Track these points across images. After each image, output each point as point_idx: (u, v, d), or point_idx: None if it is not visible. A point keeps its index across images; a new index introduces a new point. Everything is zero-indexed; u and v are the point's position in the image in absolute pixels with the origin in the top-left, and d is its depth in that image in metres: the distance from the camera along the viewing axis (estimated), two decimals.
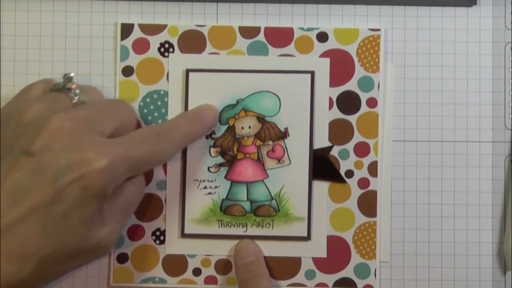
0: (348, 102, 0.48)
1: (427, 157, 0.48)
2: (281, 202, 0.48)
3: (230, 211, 0.48)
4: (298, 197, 0.48)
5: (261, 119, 0.48)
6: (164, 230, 0.48)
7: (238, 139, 0.48)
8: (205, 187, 0.48)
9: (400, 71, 0.48)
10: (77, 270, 0.48)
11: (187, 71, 0.48)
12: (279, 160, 0.48)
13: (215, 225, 0.48)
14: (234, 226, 0.48)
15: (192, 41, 0.48)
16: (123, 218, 0.43)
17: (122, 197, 0.42)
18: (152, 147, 0.42)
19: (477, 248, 0.48)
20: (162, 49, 0.48)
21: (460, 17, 0.49)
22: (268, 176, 0.48)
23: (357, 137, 0.48)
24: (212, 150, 0.48)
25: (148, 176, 0.47)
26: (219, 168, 0.48)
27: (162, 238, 0.48)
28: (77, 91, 0.43)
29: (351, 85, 0.48)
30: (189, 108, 0.48)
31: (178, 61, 0.48)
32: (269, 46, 0.48)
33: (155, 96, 0.48)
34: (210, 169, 0.48)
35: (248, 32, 0.48)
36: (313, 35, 0.48)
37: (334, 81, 0.48)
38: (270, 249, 0.48)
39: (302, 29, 0.48)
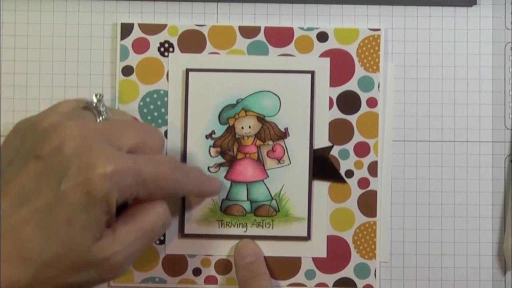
0: (348, 102, 0.48)
1: (427, 157, 0.48)
2: (281, 202, 0.48)
3: (230, 211, 0.48)
4: (298, 197, 0.48)
5: (261, 119, 0.48)
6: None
7: (238, 139, 0.48)
8: None
9: (400, 71, 0.48)
10: None
11: (187, 71, 0.48)
12: (279, 160, 0.48)
13: (215, 225, 0.48)
14: (234, 226, 0.48)
15: (192, 41, 0.48)
16: (141, 242, 0.41)
17: (143, 221, 0.41)
18: (166, 171, 0.41)
19: (477, 248, 0.48)
20: (162, 49, 0.48)
21: (460, 17, 0.49)
22: (268, 176, 0.48)
23: (357, 137, 0.48)
24: (212, 150, 0.48)
25: None
26: (219, 168, 0.48)
27: (162, 238, 0.48)
28: (103, 110, 0.42)
29: (351, 85, 0.48)
30: (189, 108, 0.48)
31: (178, 60, 0.48)
32: (269, 46, 0.48)
33: (155, 95, 0.48)
34: (210, 169, 0.48)
35: (248, 32, 0.48)
36: (313, 35, 0.48)
37: (334, 81, 0.48)
38: (270, 249, 0.48)
39: (302, 29, 0.48)
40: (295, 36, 0.48)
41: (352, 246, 0.48)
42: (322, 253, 0.48)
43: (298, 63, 0.48)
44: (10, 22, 0.49)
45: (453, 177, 0.48)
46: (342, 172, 0.48)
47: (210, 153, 0.48)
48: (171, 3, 0.49)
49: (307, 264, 0.48)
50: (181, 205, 0.48)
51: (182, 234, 0.48)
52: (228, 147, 0.48)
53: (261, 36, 0.48)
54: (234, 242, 0.48)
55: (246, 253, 0.47)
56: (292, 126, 0.48)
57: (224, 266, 0.48)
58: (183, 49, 0.48)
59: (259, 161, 0.48)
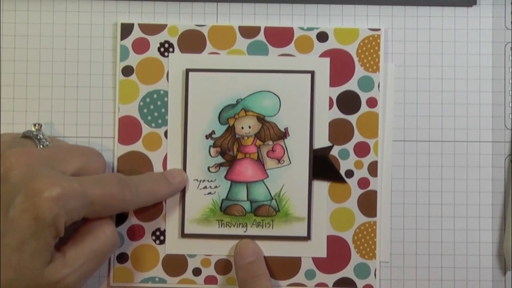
0: (348, 102, 0.48)
1: (427, 157, 0.48)
2: (281, 202, 0.48)
3: (230, 211, 0.48)
4: (298, 197, 0.48)
5: (261, 119, 0.48)
6: (164, 230, 0.48)
7: (238, 139, 0.48)
8: (205, 187, 0.48)
9: (400, 71, 0.48)
10: None
11: (187, 71, 0.48)
12: (279, 160, 0.48)
13: (215, 225, 0.48)
14: (234, 226, 0.48)
15: (192, 41, 0.48)
16: (91, 264, 0.42)
17: (92, 243, 0.42)
18: (112, 191, 0.42)
19: (477, 248, 0.48)
20: (162, 49, 0.48)
21: (460, 17, 0.49)
22: (268, 176, 0.48)
23: (357, 137, 0.48)
24: (212, 150, 0.48)
25: None
26: (219, 168, 0.48)
27: (162, 238, 0.48)
28: (42, 138, 0.44)
29: (351, 85, 0.48)
30: (189, 108, 0.48)
31: (178, 61, 0.48)
32: (269, 46, 0.48)
33: (155, 96, 0.48)
34: (210, 169, 0.48)
35: (248, 32, 0.48)
36: (313, 35, 0.48)
37: (334, 81, 0.48)
38: (270, 249, 0.48)
39: (302, 29, 0.48)
40: (295, 36, 0.48)
41: (352, 246, 0.48)
42: (322, 253, 0.48)
43: (298, 63, 0.48)
44: (10, 22, 0.49)
45: (453, 177, 0.48)
46: (342, 172, 0.48)
47: (210, 153, 0.48)
48: (171, 3, 0.49)
49: (307, 264, 0.48)
50: (181, 205, 0.48)
51: (182, 234, 0.48)
52: (228, 147, 0.48)
53: (261, 36, 0.48)
54: (234, 242, 0.48)
55: (246, 253, 0.47)
56: (292, 126, 0.48)
57: (224, 266, 0.48)
58: (183, 49, 0.48)
59: (259, 161, 0.48)
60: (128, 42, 0.48)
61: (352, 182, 0.48)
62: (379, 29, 0.48)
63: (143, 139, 0.48)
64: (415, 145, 0.48)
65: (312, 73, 0.48)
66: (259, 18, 0.49)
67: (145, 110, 0.48)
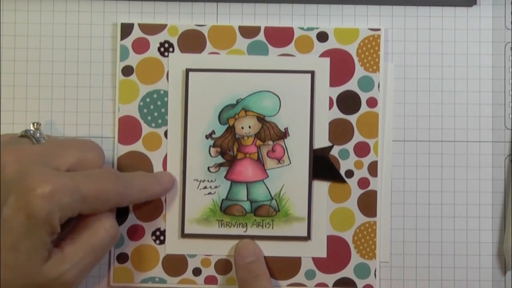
0: (348, 102, 0.48)
1: (427, 157, 0.48)
2: (281, 202, 0.48)
3: (230, 211, 0.48)
4: (298, 197, 0.48)
5: (261, 119, 0.48)
6: (164, 230, 0.48)
7: (238, 139, 0.48)
8: (205, 187, 0.48)
9: (400, 71, 0.48)
10: None
11: (187, 71, 0.48)
12: (279, 160, 0.48)
13: (215, 225, 0.48)
14: (234, 226, 0.48)
15: (192, 41, 0.48)
16: (90, 259, 0.42)
17: (90, 238, 0.42)
18: (106, 185, 0.42)
19: (477, 248, 0.48)
20: (162, 49, 0.48)
21: (460, 17, 0.49)
22: (268, 176, 0.48)
23: (357, 137, 0.48)
24: (212, 150, 0.48)
25: None
26: (219, 168, 0.48)
27: (162, 238, 0.48)
28: (40, 136, 0.44)
29: (351, 85, 0.48)
30: (189, 108, 0.48)
31: (178, 60, 0.48)
32: (269, 46, 0.48)
33: (155, 95, 0.48)
34: (210, 169, 0.48)
35: (248, 32, 0.48)
36: (313, 35, 0.48)
37: (334, 81, 0.48)
38: (270, 249, 0.48)
39: (302, 29, 0.48)
40: (295, 36, 0.48)
41: (352, 246, 0.48)
42: (322, 253, 0.48)
43: (298, 63, 0.48)
44: (10, 22, 0.49)
45: (453, 177, 0.48)
46: (342, 172, 0.48)
47: (210, 153, 0.48)
48: (171, 3, 0.49)
49: (307, 264, 0.48)
50: (181, 205, 0.48)
51: (182, 234, 0.48)
52: (228, 147, 0.48)
53: (261, 36, 0.48)
54: (234, 242, 0.48)
55: (246, 253, 0.47)
56: (292, 126, 0.48)
57: (224, 266, 0.48)
58: (183, 49, 0.48)
59: (259, 161, 0.48)
60: (128, 42, 0.48)
61: (352, 182, 0.48)
62: (379, 29, 0.48)
63: (143, 139, 0.48)
64: (415, 145, 0.48)
65: (312, 73, 0.48)
66: (259, 18, 0.49)
67: (145, 110, 0.48)
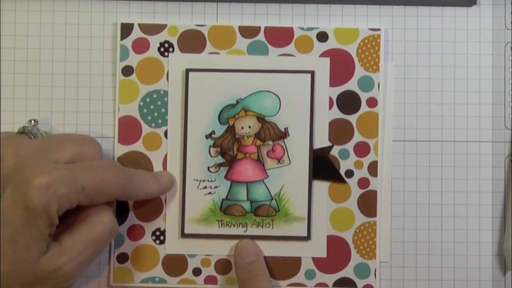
0: (348, 102, 0.48)
1: (427, 157, 0.48)
2: (281, 202, 0.48)
3: (230, 211, 0.48)
4: (298, 197, 0.48)
5: (261, 119, 0.48)
6: (164, 230, 0.48)
7: (238, 139, 0.48)
8: (205, 187, 0.48)
9: (400, 71, 0.48)
10: None
11: (187, 71, 0.48)
12: (279, 160, 0.48)
13: (215, 225, 0.48)
14: (234, 226, 0.48)
15: (192, 41, 0.48)
16: (89, 251, 0.42)
17: (89, 231, 0.42)
18: (106, 176, 0.41)
19: (477, 248, 0.48)
20: (162, 49, 0.48)
21: (460, 17, 0.49)
22: (268, 176, 0.48)
23: (357, 137, 0.48)
24: (212, 150, 0.48)
25: None
26: (219, 168, 0.48)
27: (162, 238, 0.48)
28: (37, 132, 0.44)
29: (351, 85, 0.48)
30: (189, 108, 0.48)
31: (178, 60, 0.48)
32: (269, 46, 0.48)
33: (155, 95, 0.48)
34: (210, 169, 0.48)
35: (248, 32, 0.48)
36: (313, 35, 0.48)
37: (334, 81, 0.48)
38: (270, 249, 0.48)
39: (302, 29, 0.48)
40: (295, 36, 0.48)
41: (352, 246, 0.48)
42: (322, 253, 0.48)
43: (298, 63, 0.48)
44: (10, 22, 0.49)
45: (453, 177, 0.48)
46: (342, 172, 0.48)
47: (210, 153, 0.48)
48: (171, 3, 0.49)
49: (307, 264, 0.48)
50: (181, 205, 0.48)
51: (182, 234, 0.48)
52: (228, 147, 0.48)
53: (261, 36, 0.48)
54: (234, 242, 0.48)
55: (246, 253, 0.47)
56: (292, 126, 0.48)
57: (224, 266, 0.48)
58: (183, 49, 0.48)
59: (259, 161, 0.48)
60: (128, 42, 0.48)
61: (352, 182, 0.48)
62: (379, 29, 0.48)
63: (143, 139, 0.48)
64: (415, 145, 0.48)
65: (312, 73, 0.48)
66: (259, 18, 0.49)
67: (145, 110, 0.48)
